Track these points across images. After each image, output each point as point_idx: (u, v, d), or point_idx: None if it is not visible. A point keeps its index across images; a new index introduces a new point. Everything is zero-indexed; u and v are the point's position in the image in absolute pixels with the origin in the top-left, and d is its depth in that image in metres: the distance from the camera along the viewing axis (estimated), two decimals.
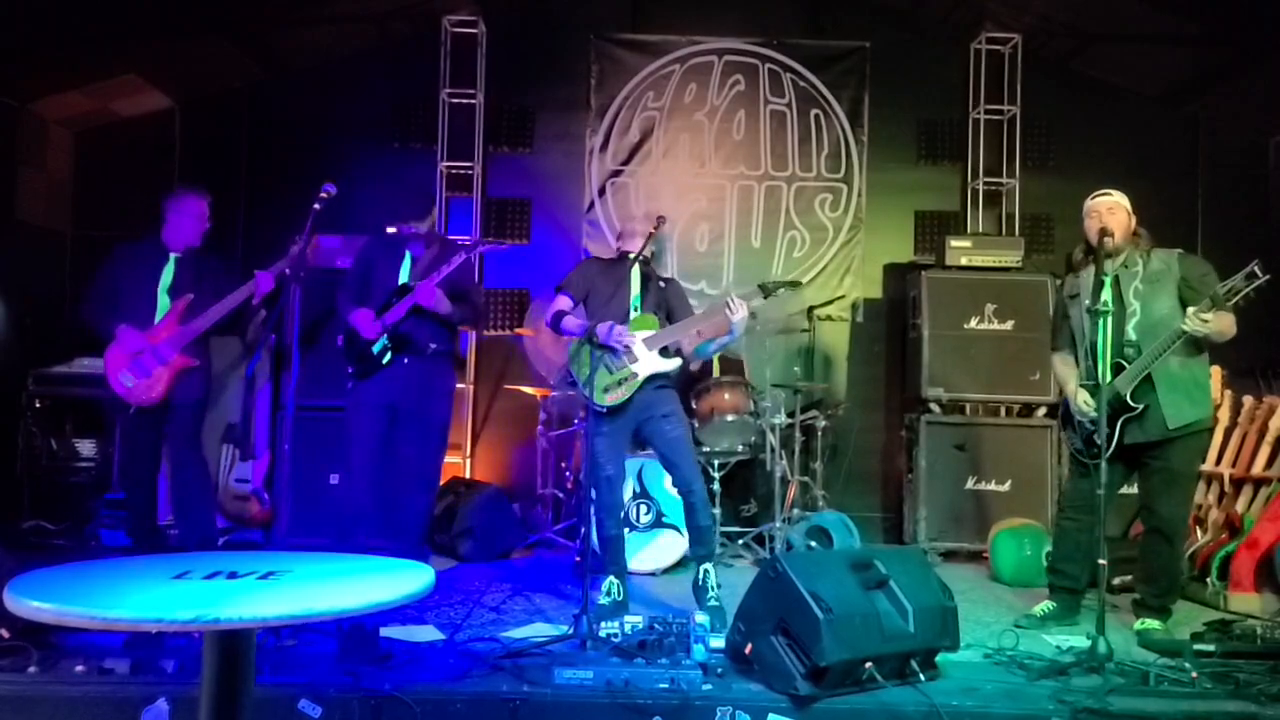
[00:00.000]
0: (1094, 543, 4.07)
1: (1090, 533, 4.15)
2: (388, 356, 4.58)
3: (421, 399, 4.62)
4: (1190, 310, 3.82)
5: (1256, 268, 3.80)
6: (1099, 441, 3.75)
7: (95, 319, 4.61)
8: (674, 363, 4.28)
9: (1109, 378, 3.86)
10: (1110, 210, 4.04)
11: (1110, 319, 3.86)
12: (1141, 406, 3.97)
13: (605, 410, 4.21)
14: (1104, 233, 3.93)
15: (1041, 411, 6.09)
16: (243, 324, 4.80)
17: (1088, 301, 3.90)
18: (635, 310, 4.36)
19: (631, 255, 4.33)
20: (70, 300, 6.20)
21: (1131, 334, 4.01)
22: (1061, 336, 4.37)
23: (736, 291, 4.30)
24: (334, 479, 5.59)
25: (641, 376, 4.21)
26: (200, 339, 4.60)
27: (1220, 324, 3.82)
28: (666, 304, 4.46)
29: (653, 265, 4.55)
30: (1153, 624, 4.06)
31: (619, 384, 4.21)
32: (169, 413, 4.57)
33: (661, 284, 4.50)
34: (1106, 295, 3.93)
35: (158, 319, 4.53)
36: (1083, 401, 4.08)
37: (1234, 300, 3.83)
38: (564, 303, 4.40)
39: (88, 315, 4.65)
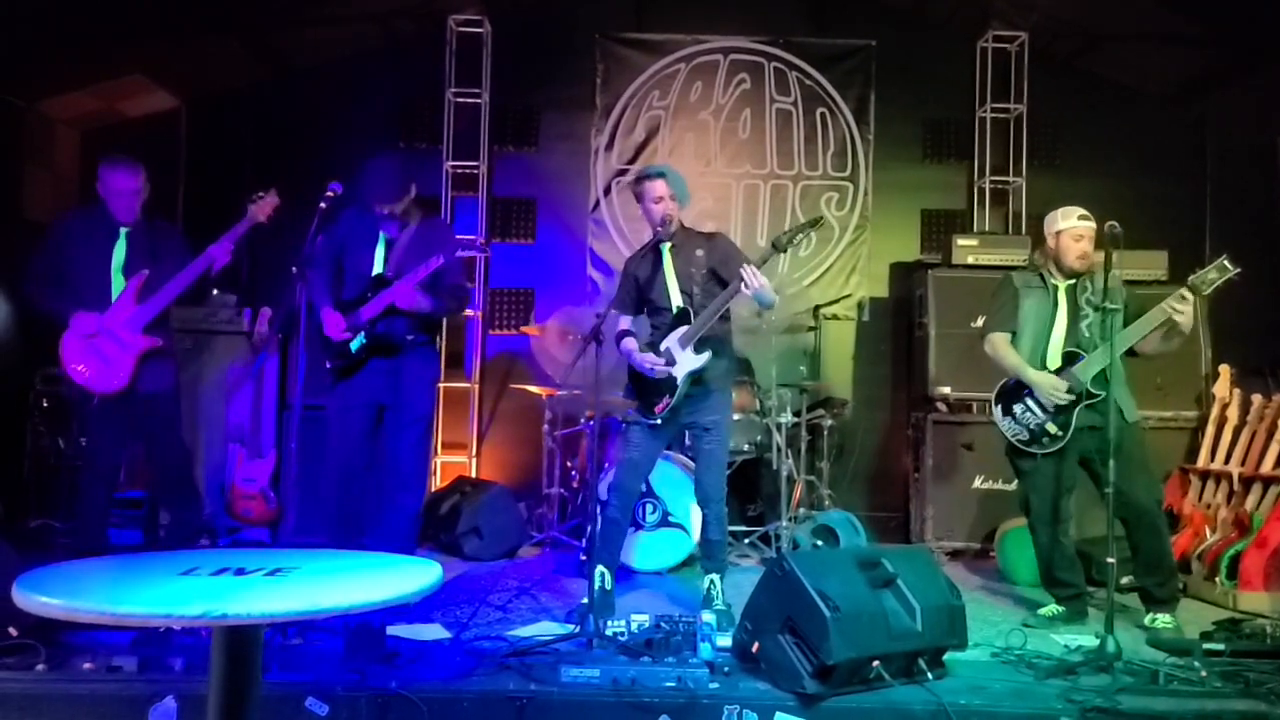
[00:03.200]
0: (1072, 545, 4.32)
1: (1069, 535, 4.34)
2: (365, 355, 4.33)
3: (405, 393, 4.37)
4: (1170, 301, 3.92)
5: (1227, 261, 3.90)
6: (1052, 430, 4.09)
7: (42, 300, 4.28)
8: (705, 356, 4.09)
9: (1070, 367, 4.10)
10: (1091, 236, 4.20)
11: (1067, 317, 4.17)
12: (1101, 394, 4.04)
13: (659, 422, 4.16)
14: (1113, 228, 3.96)
15: None
16: (203, 297, 4.46)
17: (1090, 297, 4.14)
18: (677, 306, 4.19)
19: (658, 238, 4.19)
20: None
21: (1085, 332, 4.19)
22: (1004, 320, 4.35)
23: (755, 255, 4.03)
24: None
25: (680, 379, 4.11)
26: (161, 318, 4.29)
27: (1190, 315, 3.95)
28: (715, 270, 4.18)
29: (686, 233, 4.30)
30: (1165, 618, 4.08)
31: (664, 393, 4.13)
32: (138, 403, 4.26)
33: (699, 251, 4.21)
34: (1100, 299, 4.04)
35: (114, 299, 4.22)
36: (1051, 387, 4.13)
37: (1207, 291, 3.93)
38: (623, 322, 4.31)
39: (34, 296, 4.30)
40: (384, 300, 4.22)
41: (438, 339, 4.74)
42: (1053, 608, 4.31)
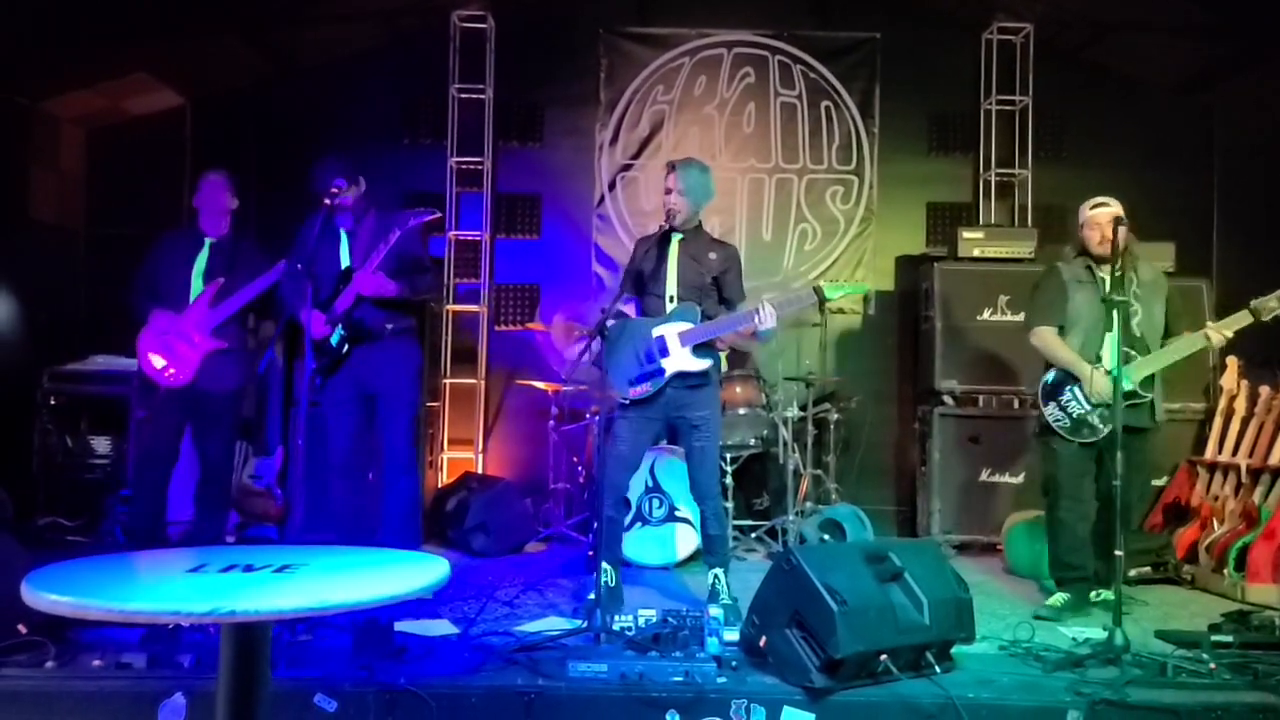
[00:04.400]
0: (1093, 532, 4.29)
1: (1087, 521, 4.32)
2: (346, 347, 4.36)
3: (390, 382, 4.40)
4: (1214, 329, 4.13)
5: None
6: (1093, 423, 4.14)
7: (135, 304, 4.64)
8: (703, 364, 4.07)
9: (1120, 368, 3.93)
10: (1110, 221, 4.19)
11: (1120, 313, 3.97)
12: (1149, 397, 4.18)
13: (629, 402, 4.15)
14: (1119, 221, 3.96)
15: None
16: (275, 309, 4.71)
17: (1110, 291, 4.13)
18: (673, 300, 4.17)
19: (668, 228, 4.18)
20: (85, 297, 6.23)
21: (1136, 330, 4.22)
22: (1053, 314, 4.37)
23: (776, 297, 4.03)
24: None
25: (668, 373, 4.08)
26: (233, 323, 4.60)
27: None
28: (717, 277, 4.20)
29: (702, 233, 4.32)
30: (1106, 592, 4.20)
31: (645, 378, 4.10)
32: (198, 401, 4.54)
33: (712, 255, 4.22)
34: (1123, 293, 4.05)
35: (191, 302, 4.56)
36: (1100, 384, 4.14)
37: (1267, 319, 4.08)
38: (628, 307, 4.29)
39: (132, 302, 4.67)
40: (354, 290, 4.28)
41: (417, 326, 4.74)
42: (1059, 597, 4.30)
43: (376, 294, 4.27)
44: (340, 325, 4.34)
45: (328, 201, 4.19)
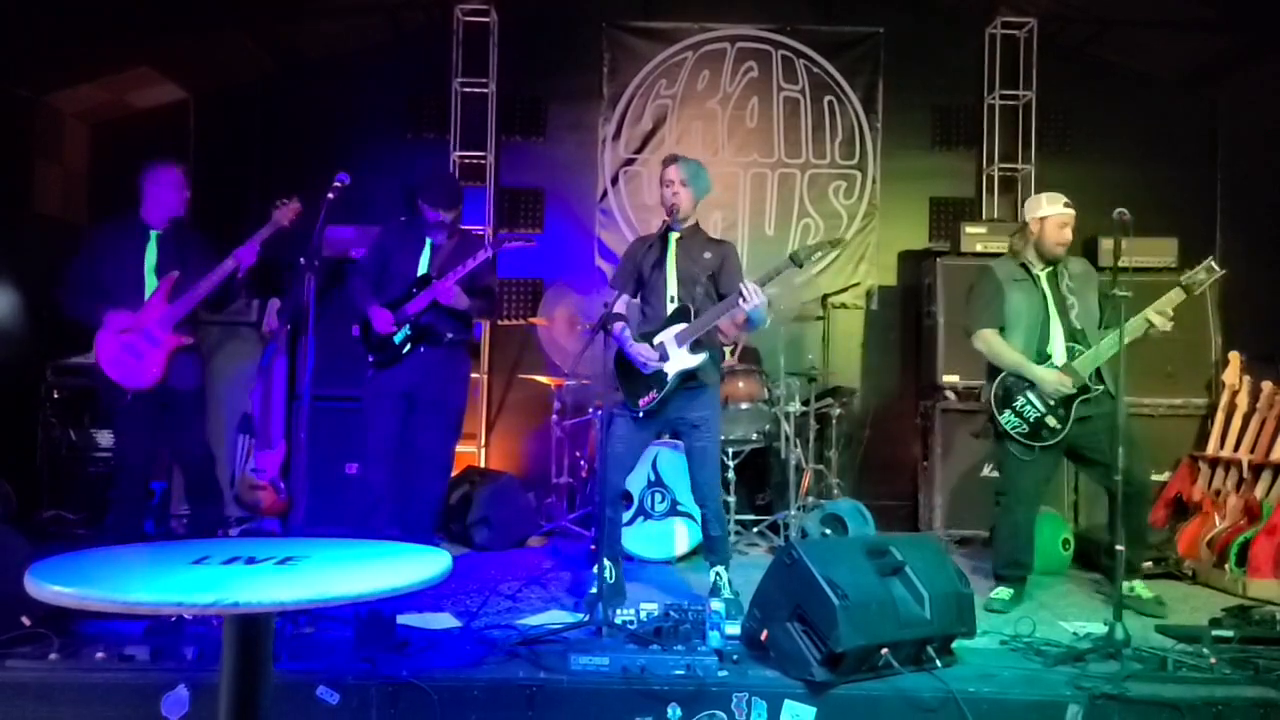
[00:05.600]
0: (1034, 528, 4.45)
1: (1034, 520, 4.46)
2: (408, 347, 4.66)
3: (439, 386, 4.72)
4: (1153, 310, 4.11)
5: (1213, 263, 4.14)
6: (1051, 424, 4.18)
7: (78, 307, 4.44)
8: (700, 358, 4.06)
9: (1071, 361, 4.19)
10: (1072, 223, 4.31)
11: (1056, 308, 4.22)
12: (1100, 388, 4.20)
13: (641, 415, 4.14)
14: (1122, 215, 3.95)
15: None
16: (230, 299, 4.61)
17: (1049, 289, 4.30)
18: (673, 300, 4.16)
19: (668, 225, 4.16)
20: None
21: (1075, 323, 4.27)
22: (993, 316, 4.36)
23: (757, 275, 3.96)
24: (351, 469, 5.65)
25: (671, 376, 4.07)
26: (190, 318, 4.46)
27: (1168, 319, 4.15)
28: (713, 274, 4.18)
29: (699, 231, 4.31)
30: (1141, 588, 4.24)
31: (650, 387, 4.09)
32: (168, 399, 4.43)
33: (707, 254, 4.20)
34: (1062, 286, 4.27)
35: (146, 299, 4.39)
36: (1058, 383, 4.18)
37: (1198, 292, 4.18)
38: (618, 304, 4.18)
39: (69, 304, 4.46)
40: (428, 296, 4.60)
41: (471, 338, 5.13)
42: (1005, 590, 4.30)
43: (451, 304, 4.60)
44: (408, 325, 4.64)
45: (437, 216, 4.67)
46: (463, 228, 4.95)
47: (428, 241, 4.77)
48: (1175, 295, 4.14)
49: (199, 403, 4.62)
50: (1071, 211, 4.29)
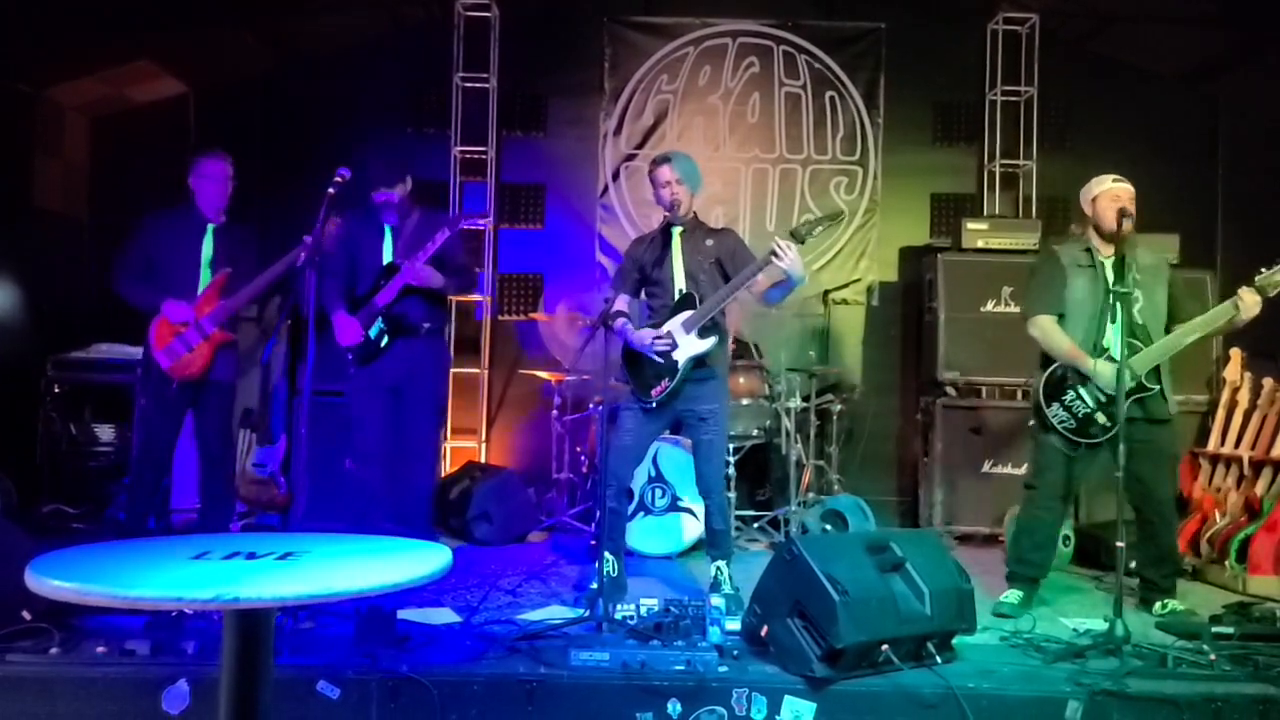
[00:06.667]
0: (1059, 531, 4.29)
1: (1059, 521, 4.28)
2: (385, 340, 4.63)
3: (421, 378, 4.73)
4: (1243, 295, 3.88)
5: None
6: (1101, 421, 3.94)
7: (133, 292, 4.50)
8: (709, 342, 4.06)
9: (1137, 367, 3.93)
10: (1131, 198, 4.06)
11: (1124, 301, 3.82)
12: (1156, 388, 4.01)
13: (654, 406, 4.14)
14: (1123, 214, 3.91)
15: None
16: (268, 302, 4.75)
17: (1113, 279, 3.99)
18: (681, 290, 4.17)
19: (670, 220, 4.17)
20: (93, 285, 6.22)
21: (1138, 318, 4.03)
22: (1053, 302, 4.14)
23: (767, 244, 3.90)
24: (350, 464, 5.64)
25: (682, 363, 4.07)
26: (235, 315, 4.57)
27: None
28: (721, 261, 4.16)
29: (700, 224, 4.30)
30: (1175, 604, 4.06)
31: (661, 377, 4.09)
32: (204, 391, 4.50)
33: (710, 241, 4.20)
34: (1128, 278, 3.92)
35: (200, 292, 4.46)
36: (1107, 375, 3.94)
37: (1273, 294, 3.91)
38: (618, 302, 4.22)
39: (124, 289, 4.51)
40: (397, 284, 4.53)
41: (448, 329, 4.98)
42: (1014, 593, 4.15)
43: (424, 285, 4.54)
44: (380, 319, 4.59)
45: (382, 196, 4.53)
46: (422, 206, 4.83)
47: (386, 228, 4.70)
48: (1245, 293, 3.90)
49: (231, 396, 4.68)
50: (1125, 185, 4.06)
